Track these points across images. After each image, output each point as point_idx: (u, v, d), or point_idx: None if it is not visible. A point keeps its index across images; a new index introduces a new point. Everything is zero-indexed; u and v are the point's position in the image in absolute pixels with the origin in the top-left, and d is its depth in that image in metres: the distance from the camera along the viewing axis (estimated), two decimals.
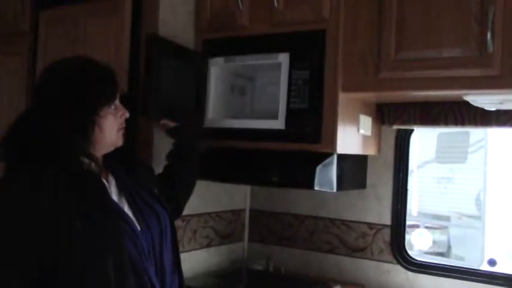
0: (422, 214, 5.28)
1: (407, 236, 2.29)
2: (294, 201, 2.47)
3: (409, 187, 2.27)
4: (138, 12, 2.04)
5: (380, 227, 2.25)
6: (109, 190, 1.38)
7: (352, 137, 2.02)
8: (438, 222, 5.24)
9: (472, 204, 5.67)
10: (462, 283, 2.06)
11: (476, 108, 1.87)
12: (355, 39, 1.88)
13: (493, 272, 2.19)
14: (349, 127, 1.98)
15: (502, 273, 2.09)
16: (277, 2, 1.97)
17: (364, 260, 2.28)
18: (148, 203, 1.45)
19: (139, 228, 1.37)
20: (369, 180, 2.26)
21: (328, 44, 1.90)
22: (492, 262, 3.53)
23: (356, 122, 2.03)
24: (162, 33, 2.00)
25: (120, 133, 1.44)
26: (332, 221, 2.37)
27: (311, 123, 1.91)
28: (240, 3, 2.05)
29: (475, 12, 1.65)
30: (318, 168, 1.90)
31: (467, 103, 1.83)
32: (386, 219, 2.24)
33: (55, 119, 1.30)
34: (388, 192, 2.24)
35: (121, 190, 1.43)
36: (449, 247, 5.22)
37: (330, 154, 1.92)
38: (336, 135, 1.88)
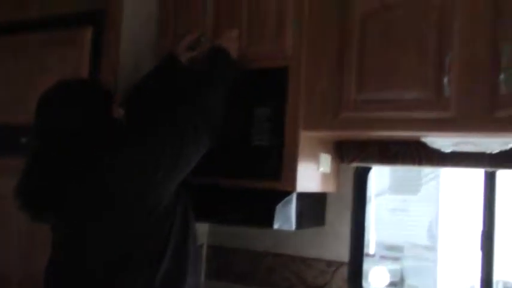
0: (376, 244, 5.34)
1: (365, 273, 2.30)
2: (253, 237, 2.44)
3: (366, 223, 2.29)
4: (97, 43, 2.00)
5: (338, 264, 2.24)
6: None
7: (312, 175, 2.02)
8: (392, 253, 5.31)
9: (424, 234, 5.78)
10: None
11: (433, 148, 1.91)
12: (317, 78, 1.89)
13: None
14: (309, 165, 1.98)
15: None
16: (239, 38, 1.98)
17: None
18: None
19: None
20: (327, 218, 2.26)
21: (290, 81, 1.90)
22: None
23: (316, 160, 2.03)
24: (122, 66, 1.97)
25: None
26: (291, 258, 2.35)
27: (272, 161, 1.90)
28: (202, 40, 2.04)
29: (432, 57, 1.70)
30: (278, 207, 1.88)
31: (424, 143, 1.87)
32: (345, 256, 2.24)
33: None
34: (346, 229, 2.25)
35: None
36: (402, 278, 5.29)
37: (290, 192, 1.91)
38: (297, 173, 1.87)
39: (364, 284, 2.26)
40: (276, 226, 1.88)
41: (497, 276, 3.63)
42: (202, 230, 2.56)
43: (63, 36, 2.01)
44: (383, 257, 5.22)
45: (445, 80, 1.66)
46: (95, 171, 1.46)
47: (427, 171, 6.04)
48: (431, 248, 5.69)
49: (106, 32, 2.01)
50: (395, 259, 5.18)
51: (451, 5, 1.68)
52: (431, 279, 5.08)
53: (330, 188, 2.18)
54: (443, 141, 1.82)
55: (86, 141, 1.49)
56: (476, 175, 2.14)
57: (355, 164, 2.19)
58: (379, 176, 6.13)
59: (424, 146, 1.92)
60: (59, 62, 1.98)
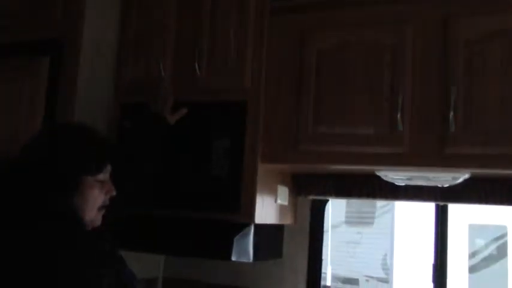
0: (332, 277, 5.36)
1: None
2: (210, 269, 2.42)
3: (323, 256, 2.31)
4: (54, 73, 1.97)
5: None
6: None
7: (269, 207, 2.03)
8: (348, 286, 5.34)
9: (379, 266, 5.84)
10: None
11: (387, 182, 1.96)
12: (275, 111, 1.93)
13: None
14: (267, 197, 1.99)
15: None
16: (199, 69, 2.00)
17: None
18: None
19: None
20: (285, 250, 2.27)
21: (249, 115, 1.93)
22: None
23: (274, 192, 2.05)
24: (79, 95, 1.95)
25: (101, 213, 1.41)
26: None
27: (230, 193, 1.90)
28: (162, 70, 2.05)
29: (386, 94, 1.76)
30: (236, 239, 1.88)
31: (379, 177, 1.92)
32: None
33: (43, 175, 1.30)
34: (303, 261, 2.26)
35: None
36: None
37: (248, 224, 1.91)
38: (255, 205, 1.88)
39: None
40: (234, 258, 1.87)
41: None
42: (158, 261, 2.52)
43: (19, 64, 1.97)
44: None
45: (398, 115, 1.72)
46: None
47: (382, 203, 6.15)
48: (386, 280, 5.74)
49: (64, 61, 1.98)
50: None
51: (403, 45, 1.76)
52: None
53: (287, 220, 2.20)
54: (396, 175, 1.87)
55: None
56: (429, 208, 2.21)
57: (312, 197, 2.23)
58: (335, 208, 6.19)
59: (378, 180, 1.97)
60: (13, 91, 1.93)
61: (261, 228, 1.98)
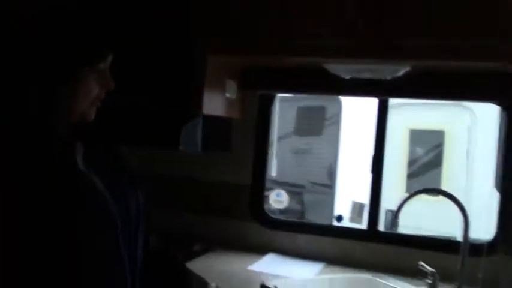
0: (280, 183, 5.57)
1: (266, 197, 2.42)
2: (161, 162, 2.45)
3: (270, 151, 2.39)
4: None
5: (242, 188, 2.34)
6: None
7: (218, 100, 2.06)
8: (294, 189, 5.58)
9: (325, 174, 6.10)
10: (315, 238, 2.24)
11: (334, 76, 2.00)
12: (226, 2, 1.90)
13: (340, 227, 2.41)
14: (216, 90, 2.01)
15: (347, 228, 2.31)
16: None
17: (226, 220, 2.36)
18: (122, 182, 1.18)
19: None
20: (233, 143, 2.33)
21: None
22: (339, 218, 3.79)
23: (223, 85, 2.07)
24: None
25: (94, 107, 1.14)
26: (196, 181, 2.41)
27: (180, 85, 1.91)
28: None
29: None
30: (184, 129, 1.92)
31: (326, 71, 1.96)
32: (248, 180, 2.34)
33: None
34: (250, 154, 2.33)
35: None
36: (302, 212, 5.61)
37: (196, 115, 1.94)
38: (203, 96, 1.90)
39: (264, 206, 2.38)
40: (181, 147, 1.91)
41: (387, 205, 3.95)
42: None
43: None
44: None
45: (349, 6, 1.73)
46: None
47: (330, 115, 6.28)
48: (329, 186, 6.00)
49: None
50: (297, 194, 5.46)
51: None
52: (329, 212, 5.38)
53: (235, 113, 2.24)
54: (344, 68, 1.92)
55: None
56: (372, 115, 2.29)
57: (260, 91, 2.26)
58: (285, 119, 6.29)
59: (325, 74, 2.01)
60: None
61: (209, 120, 2.02)
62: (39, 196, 0.98)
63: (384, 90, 2.06)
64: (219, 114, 2.10)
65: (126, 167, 1.28)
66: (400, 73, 1.85)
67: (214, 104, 2.01)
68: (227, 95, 2.10)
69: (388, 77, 1.90)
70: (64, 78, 1.06)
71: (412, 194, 1.85)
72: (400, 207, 1.80)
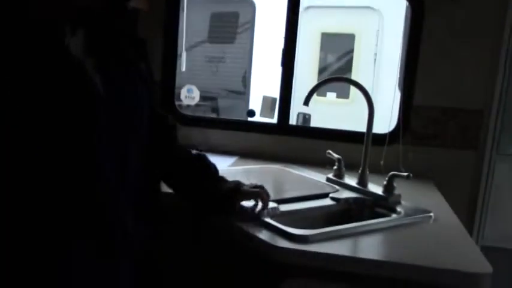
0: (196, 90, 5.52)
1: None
2: None
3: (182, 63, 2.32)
4: None
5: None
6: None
7: None
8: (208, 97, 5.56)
9: (239, 82, 6.12)
10: (227, 132, 2.25)
11: None
12: None
13: (252, 122, 2.44)
14: None
15: (258, 122, 2.33)
16: None
17: None
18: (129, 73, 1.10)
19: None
20: (139, 35, 2.22)
21: None
22: (251, 113, 3.74)
23: None
24: None
25: None
26: None
27: None
28: None
29: None
30: None
31: None
32: (157, 76, 2.27)
33: None
34: (159, 49, 2.25)
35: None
36: (217, 115, 5.67)
37: None
38: None
39: (176, 101, 2.34)
40: None
41: (298, 109, 4.04)
42: None
43: None
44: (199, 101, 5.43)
45: None
46: None
47: (243, 21, 6.20)
48: (243, 93, 6.05)
49: None
50: (212, 100, 5.47)
51: None
52: (243, 112, 5.45)
53: (142, 4, 2.12)
54: None
55: None
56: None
57: None
58: (199, 25, 6.15)
59: None
60: None
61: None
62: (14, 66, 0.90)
63: None
64: None
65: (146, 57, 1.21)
66: None
67: None
68: None
69: None
70: None
71: (322, 82, 1.84)
72: (310, 94, 1.73)
